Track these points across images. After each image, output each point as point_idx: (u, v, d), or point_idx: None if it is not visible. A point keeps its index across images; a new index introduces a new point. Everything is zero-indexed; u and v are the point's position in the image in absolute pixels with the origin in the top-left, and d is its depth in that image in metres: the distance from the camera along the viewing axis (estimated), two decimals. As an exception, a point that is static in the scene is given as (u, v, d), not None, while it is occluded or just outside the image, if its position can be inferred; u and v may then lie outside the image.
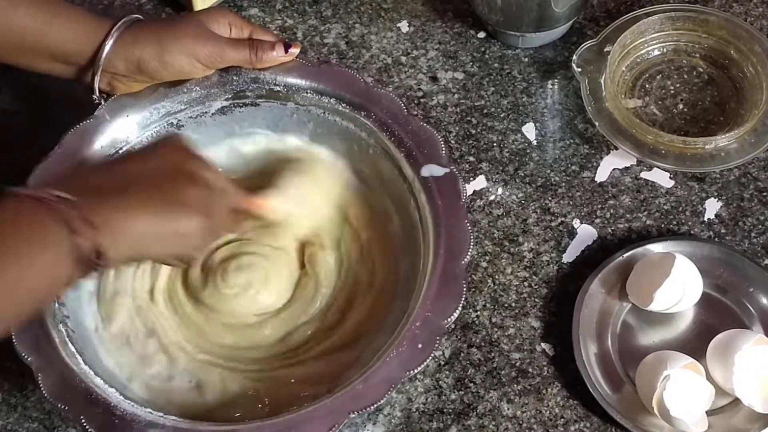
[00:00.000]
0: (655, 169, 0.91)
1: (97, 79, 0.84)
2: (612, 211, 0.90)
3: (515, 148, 0.94)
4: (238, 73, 0.87)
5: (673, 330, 0.83)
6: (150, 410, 0.74)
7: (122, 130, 0.86)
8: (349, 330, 0.82)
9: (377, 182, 0.87)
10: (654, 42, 0.98)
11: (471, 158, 0.93)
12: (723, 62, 0.97)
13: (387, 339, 0.76)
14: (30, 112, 0.98)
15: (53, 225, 0.64)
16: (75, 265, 0.65)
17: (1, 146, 0.96)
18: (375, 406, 0.72)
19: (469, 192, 0.91)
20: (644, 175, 0.92)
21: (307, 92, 0.87)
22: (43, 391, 0.73)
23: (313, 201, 0.86)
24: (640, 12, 0.97)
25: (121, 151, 0.86)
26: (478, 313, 0.85)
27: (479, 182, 0.92)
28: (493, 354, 0.83)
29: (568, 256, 0.88)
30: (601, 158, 0.93)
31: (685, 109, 0.95)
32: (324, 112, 0.87)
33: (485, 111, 0.96)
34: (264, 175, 0.87)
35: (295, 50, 0.87)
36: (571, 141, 0.94)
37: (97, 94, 0.86)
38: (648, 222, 0.89)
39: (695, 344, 0.81)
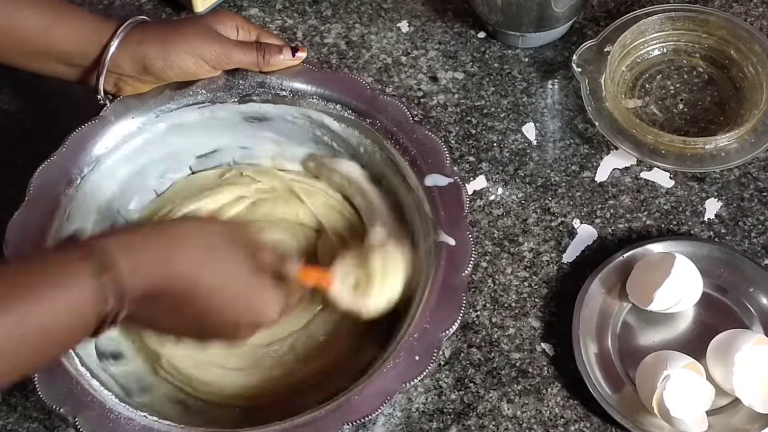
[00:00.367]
0: (655, 169, 0.91)
1: (101, 80, 0.84)
2: (612, 211, 0.90)
3: (515, 148, 0.94)
4: (244, 77, 0.87)
5: (673, 330, 0.83)
6: (145, 414, 0.74)
7: (127, 132, 0.86)
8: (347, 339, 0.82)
9: (383, 191, 0.87)
10: (654, 42, 0.98)
11: (471, 158, 0.93)
12: (723, 62, 0.97)
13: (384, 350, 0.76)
14: (30, 112, 0.98)
15: (83, 263, 0.62)
16: (98, 307, 0.62)
17: (1, 146, 0.96)
18: (370, 417, 0.72)
19: (469, 192, 0.91)
20: (644, 175, 0.92)
21: (313, 98, 0.87)
22: (39, 393, 0.73)
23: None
24: (640, 12, 0.97)
25: (123, 153, 0.86)
26: (478, 313, 0.85)
27: (479, 182, 0.92)
28: (493, 354, 0.83)
29: (568, 256, 0.88)
30: (601, 158, 0.93)
31: (685, 109, 0.95)
32: (330, 118, 0.87)
33: (485, 111, 0.96)
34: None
35: (302, 54, 0.87)
36: (571, 141, 0.94)
37: (102, 95, 0.86)
38: (648, 222, 0.89)
39: (695, 344, 0.81)
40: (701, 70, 0.97)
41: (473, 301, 0.86)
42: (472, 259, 0.77)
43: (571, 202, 0.90)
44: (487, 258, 0.88)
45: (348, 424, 0.71)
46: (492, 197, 0.91)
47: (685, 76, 0.97)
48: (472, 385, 0.82)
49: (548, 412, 0.81)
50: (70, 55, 0.84)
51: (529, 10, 0.95)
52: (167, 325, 0.69)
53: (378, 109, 0.85)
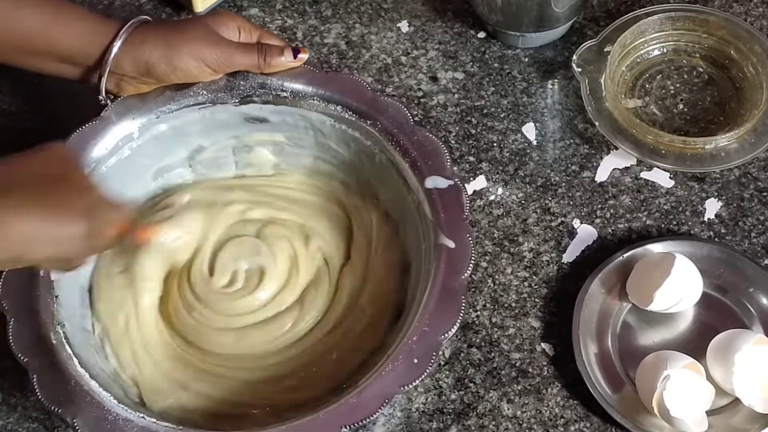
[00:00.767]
0: (655, 169, 0.91)
1: (104, 80, 0.84)
2: (612, 211, 0.90)
3: (515, 148, 0.94)
4: (245, 78, 0.86)
5: (673, 330, 0.83)
6: (143, 416, 0.74)
7: (127, 133, 0.86)
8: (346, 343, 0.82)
9: (384, 192, 0.87)
10: (654, 42, 0.98)
11: (471, 158, 0.93)
12: (723, 62, 0.97)
13: (385, 352, 0.76)
14: (30, 112, 0.98)
15: None
16: None
17: (1, 146, 0.96)
18: (368, 420, 0.72)
19: (469, 192, 0.91)
20: (644, 175, 0.92)
21: (313, 99, 0.87)
22: (38, 393, 0.73)
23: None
24: (640, 12, 0.97)
25: (124, 153, 0.86)
26: (478, 313, 0.85)
27: (479, 182, 0.92)
28: (493, 354, 0.83)
29: (568, 256, 0.88)
30: (601, 158, 0.93)
31: (685, 109, 0.95)
32: (331, 120, 0.87)
33: (485, 111, 0.96)
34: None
35: (304, 56, 0.87)
36: (571, 141, 0.94)
37: (104, 95, 0.85)
38: (648, 222, 0.89)
39: (695, 344, 0.81)
40: (701, 70, 0.97)
41: (473, 301, 0.86)
42: (472, 261, 0.77)
43: (571, 202, 0.90)
44: (487, 258, 0.88)
45: (346, 427, 0.71)
46: (492, 197, 0.91)
47: (685, 76, 0.97)
48: (472, 385, 0.82)
49: (548, 412, 0.81)
50: (71, 55, 0.84)
51: (529, 10, 0.95)
52: None
53: (379, 111, 0.85)
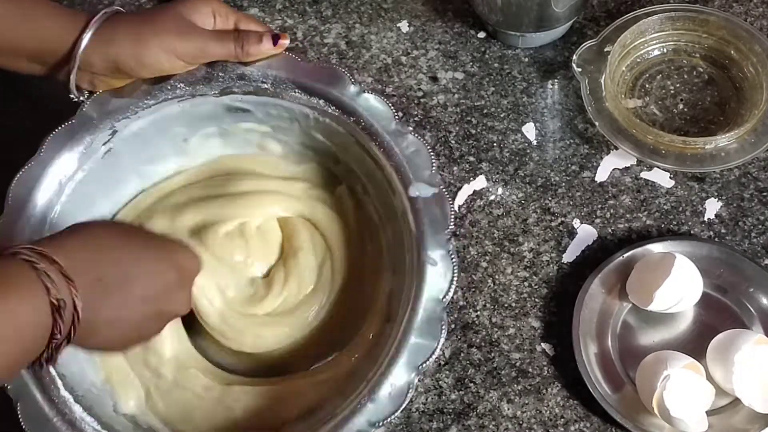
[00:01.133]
0: (655, 169, 0.91)
1: (73, 77, 0.82)
2: (612, 211, 0.90)
3: (515, 148, 0.94)
4: (223, 69, 0.84)
5: (673, 330, 0.83)
6: None
7: (106, 130, 0.84)
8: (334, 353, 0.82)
9: (371, 187, 0.85)
10: (654, 42, 0.98)
11: (471, 158, 0.93)
12: (723, 62, 0.97)
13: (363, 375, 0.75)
14: (30, 113, 0.98)
15: (27, 277, 0.63)
16: (53, 318, 0.63)
17: (1, 146, 0.96)
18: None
19: (469, 192, 0.91)
20: (644, 175, 0.92)
21: (295, 91, 0.84)
22: (21, 421, 0.73)
23: None
24: (640, 12, 0.97)
25: (102, 153, 0.85)
26: (478, 313, 0.85)
27: (479, 182, 0.92)
28: (493, 354, 0.83)
29: (568, 256, 0.88)
30: (601, 158, 0.93)
31: (685, 109, 0.95)
32: (314, 113, 0.85)
33: (485, 111, 0.96)
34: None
35: (284, 42, 0.83)
36: (571, 141, 0.94)
37: (75, 93, 0.84)
38: (648, 222, 0.89)
39: (695, 344, 0.81)
40: (701, 70, 0.97)
41: (473, 301, 0.86)
42: (455, 282, 0.76)
43: (571, 202, 0.90)
44: (487, 258, 0.88)
45: None
46: (492, 197, 0.91)
47: (685, 76, 0.97)
48: (472, 385, 0.82)
49: (548, 412, 0.81)
50: (41, 53, 0.81)
51: (529, 10, 0.95)
52: (113, 316, 0.69)
53: (361, 106, 0.83)
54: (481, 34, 1.01)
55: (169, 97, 0.84)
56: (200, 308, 0.81)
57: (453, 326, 0.84)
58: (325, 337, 0.83)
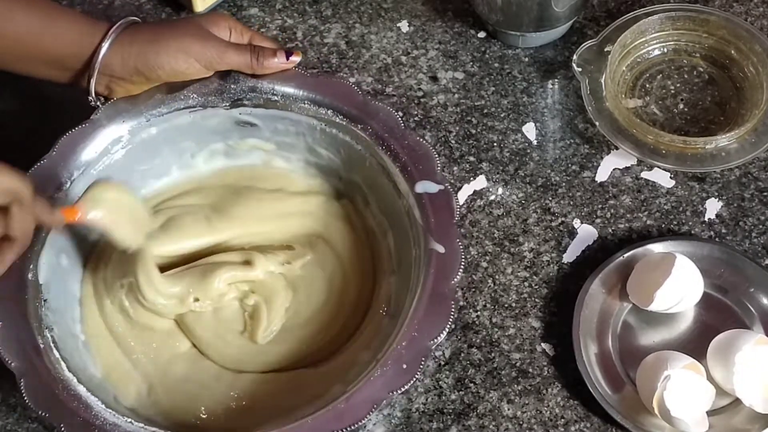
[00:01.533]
0: (655, 169, 0.91)
1: (92, 82, 0.84)
2: (612, 211, 0.90)
3: (515, 148, 0.94)
4: (236, 81, 0.86)
5: (674, 330, 0.83)
6: (131, 420, 0.74)
7: (117, 136, 0.85)
8: (336, 348, 0.82)
9: (373, 197, 0.87)
10: (654, 42, 0.98)
11: (471, 158, 0.93)
12: (723, 62, 0.97)
13: (374, 357, 0.76)
14: (30, 113, 0.98)
15: None
16: None
17: (1, 146, 0.96)
18: (356, 425, 0.72)
19: (469, 192, 0.91)
20: (645, 175, 0.92)
21: (304, 103, 0.86)
22: (25, 398, 0.73)
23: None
24: (641, 12, 0.97)
25: (113, 157, 0.85)
26: (478, 313, 0.85)
27: (479, 182, 0.92)
28: (493, 354, 0.83)
29: (569, 256, 0.88)
30: (602, 158, 0.93)
31: (686, 109, 0.95)
32: (321, 124, 0.86)
33: (485, 111, 0.96)
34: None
35: (296, 58, 0.86)
36: (572, 141, 0.94)
37: (93, 96, 0.85)
38: (648, 222, 0.89)
39: (696, 344, 0.81)
40: (701, 69, 0.97)
41: (473, 301, 0.86)
42: (462, 266, 0.77)
43: (571, 202, 0.90)
44: (487, 258, 0.88)
45: None
46: (492, 197, 0.91)
47: (686, 76, 0.97)
48: (472, 385, 0.82)
49: (548, 412, 0.81)
50: (62, 58, 0.84)
51: (529, 9, 0.95)
52: None
53: (369, 115, 0.85)
54: (481, 34, 1.01)
55: (181, 107, 0.86)
56: (215, 352, 0.83)
57: (453, 326, 0.84)
58: (330, 337, 0.83)
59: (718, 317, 0.83)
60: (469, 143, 0.94)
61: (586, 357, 0.80)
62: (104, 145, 0.85)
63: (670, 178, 0.91)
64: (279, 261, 0.85)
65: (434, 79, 0.98)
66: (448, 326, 0.75)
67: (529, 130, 0.95)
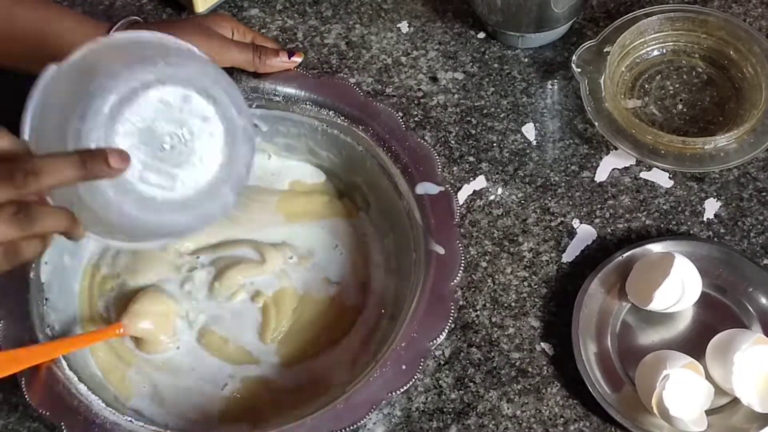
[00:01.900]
0: (654, 169, 0.92)
1: None
2: (611, 211, 0.90)
3: (515, 148, 0.94)
4: (237, 81, 0.86)
5: (673, 330, 0.83)
6: (131, 419, 0.74)
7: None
8: (336, 350, 0.82)
9: (373, 198, 0.87)
10: (653, 42, 0.98)
11: (471, 158, 0.93)
12: (722, 62, 0.97)
13: (373, 357, 0.76)
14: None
15: None
16: None
17: (2, 146, 0.96)
18: (356, 425, 0.72)
19: (469, 192, 0.92)
20: (644, 175, 0.92)
21: (306, 103, 0.87)
22: (26, 396, 0.73)
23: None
24: (640, 12, 0.97)
25: None
26: (478, 312, 0.85)
27: (479, 182, 0.92)
28: (493, 353, 0.84)
29: (568, 256, 0.88)
30: (601, 158, 0.93)
31: (685, 110, 0.95)
32: (323, 125, 0.87)
33: (485, 111, 0.96)
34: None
35: (298, 59, 0.87)
36: (571, 141, 0.94)
37: None
38: (647, 222, 0.89)
39: (695, 344, 0.82)
40: (700, 70, 0.98)
41: (473, 301, 0.86)
42: (461, 268, 0.77)
43: (570, 202, 0.91)
44: (487, 258, 0.88)
45: None
46: (492, 197, 0.91)
47: (685, 77, 0.97)
48: (472, 384, 0.82)
49: (548, 411, 0.81)
50: (64, 56, 0.83)
51: (529, 10, 0.95)
52: None
53: (371, 116, 0.85)
54: (481, 35, 1.01)
55: None
56: (218, 351, 0.83)
57: (453, 326, 0.84)
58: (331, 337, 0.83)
59: (716, 317, 0.83)
60: (469, 143, 0.94)
61: (585, 356, 0.81)
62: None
63: (669, 178, 0.91)
64: (288, 256, 0.85)
65: (434, 79, 0.99)
66: (448, 327, 0.75)
67: (529, 131, 0.95)
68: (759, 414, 0.77)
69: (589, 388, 0.79)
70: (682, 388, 0.76)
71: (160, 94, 0.65)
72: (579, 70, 0.94)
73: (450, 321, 0.75)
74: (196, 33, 0.84)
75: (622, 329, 0.83)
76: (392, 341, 0.75)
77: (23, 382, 0.74)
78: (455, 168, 0.93)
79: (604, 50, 0.95)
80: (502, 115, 0.96)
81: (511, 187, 0.92)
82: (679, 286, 0.81)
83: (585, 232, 0.89)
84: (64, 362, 0.76)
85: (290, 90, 0.87)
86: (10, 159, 0.64)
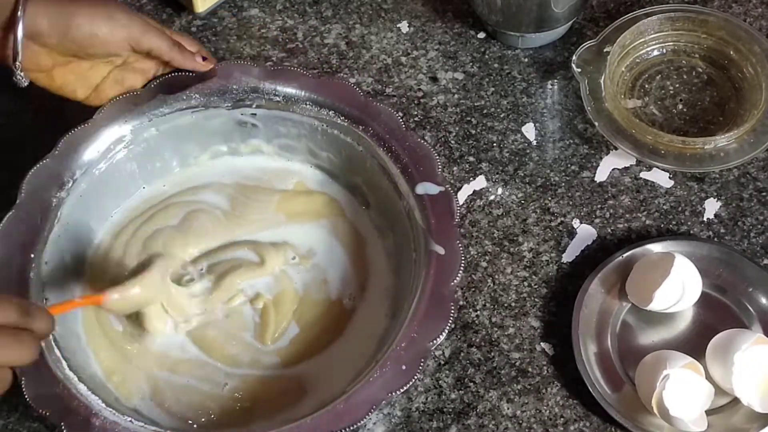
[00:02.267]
0: (654, 169, 0.92)
1: (19, 43, 0.80)
2: (611, 211, 0.90)
3: (515, 148, 0.94)
4: (237, 81, 0.87)
5: (673, 330, 0.83)
6: (131, 419, 0.74)
7: (118, 136, 0.86)
8: (336, 350, 0.82)
9: (373, 198, 0.87)
10: (653, 42, 0.98)
11: (471, 158, 0.94)
12: (722, 62, 0.97)
13: (371, 359, 0.76)
14: (31, 113, 0.98)
15: None
16: None
17: (1, 146, 0.96)
18: (355, 426, 0.72)
19: (469, 192, 0.92)
20: (644, 175, 0.92)
21: (306, 104, 0.87)
22: (26, 396, 0.73)
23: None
24: (640, 12, 0.97)
25: (115, 157, 0.86)
26: (478, 312, 0.85)
27: (479, 182, 0.92)
28: (492, 353, 0.84)
29: (568, 256, 0.88)
30: (601, 158, 0.93)
31: (685, 110, 0.95)
32: (323, 125, 0.87)
33: (485, 111, 0.96)
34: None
35: (209, 64, 0.87)
36: (571, 141, 0.94)
37: (20, 72, 0.83)
38: (647, 222, 0.89)
39: (695, 344, 0.82)
40: (700, 70, 0.98)
41: (473, 301, 0.86)
42: (461, 268, 0.77)
43: (570, 202, 0.91)
44: (487, 258, 0.88)
45: None
46: (492, 197, 0.91)
47: (685, 77, 0.97)
48: (472, 384, 0.82)
49: (548, 411, 0.81)
50: None
51: (529, 10, 0.95)
52: None
53: (371, 116, 0.85)
54: (481, 35, 1.01)
55: (184, 107, 0.86)
56: (219, 353, 0.83)
57: (453, 326, 0.84)
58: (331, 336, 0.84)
59: (716, 317, 0.83)
60: (469, 143, 0.94)
61: (585, 356, 0.81)
62: (106, 145, 0.85)
63: (669, 178, 0.91)
64: (289, 257, 0.85)
65: (434, 79, 0.99)
66: (448, 327, 0.75)
67: (529, 131, 0.95)
68: (759, 414, 0.77)
69: (589, 388, 0.79)
70: (682, 388, 0.76)
71: None
72: (579, 70, 0.94)
73: (450, 321, 0.75)
74: (118, 6, 0.82)
75: (622, 329, 0.83)
76: (392, 341, 0.75)
77: (23, 382, 0.74)
78: (455, 168, 0.93)
79: (604, 50, 0.95)
80: (502, 115, 0.96)
81: (511, 187, 0.92)
82: (679, 286, 0.81)
83: (585, 232, 0.89)
84: (64, 362, 0.76)
85: (290, 90, 0.87)
86: None
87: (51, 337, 0.77)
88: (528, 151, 0.94)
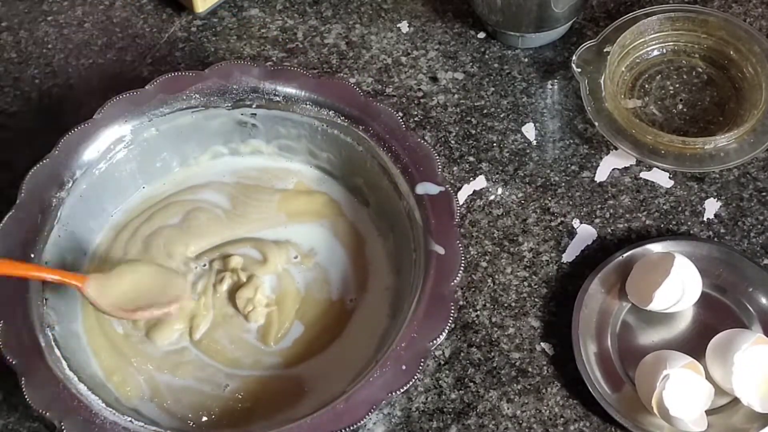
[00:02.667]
0: (654, 169, 0.92)
1: None
2: (611, 211, 0.90)
3: (515, 148, 0.94)
4: (237, 82, 0.87)
5: (673, 330, 0.83)
6: (131, 419, 0.74)
7: (119, 136, 0.86)
8: (336, 350, 0.82)
9: (373, 198, 0.87)
10: (653, 42, 0.98)
11: (471, 158, 0.94)
12: (722, 62, 0.97)
13: (372, 359, 0.76)
14: (30, 113, 0.98)
15: None
16: None
17: (1, 146, 0.96)
18: (355, 426, 0.72)
19: (469, 192, 0.92)
20: (644, 175, 0.92)
21: (306, 104, 0.87)
22: (26, 396, 0.73)
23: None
24: (640, 12, 0.97)
25: (115, 157, 0.86)
26: (478, 312, 0.85)
27: (479, 182, 0.92)
28: (492, 353, 0.84)
29: (568, 256, 0.88)
30: (601, 158, 0.93)
31: (685, 110, 0.95)
32: (323, 125, 0.87)
33: (485, 111, 0.96)
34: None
35: None
36: (571, 141, 0.94)
37: None
38: (647, 222, 0.89)
39: (695, 344, 0.82)
40: (700, 70, 0.98)
41: (473, 301, 0.86)
42: (461, 268, 0.77)
43: (570, 202, 0.91)
44: (487, 258, 0.88)
45: None
46: (492, 197, 0.91)
47: (685, 77, 0.97)
48: (472, 384, 0.82)
49: (548, 411, 0.81)
50: None
51: (529, 10, 0.95)
52: None
53: (371, 116, 0.85)
54: (481, 35, 1.01)
55: (184, 107, 0.86)
56: (220, 354, 0.83)
57: (453, 326, 0.84)
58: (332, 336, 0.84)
59: (716, 317, 0.83)
60: (469, 143, 0.94)
61: (585, 356, 0.81)
62: (106, 145, 0.85)
63: (669, 178, 0.92)
64: (291, 255, 0.85)
65: (434, 79, 0.99)
66: (448, 327, 0.75)
67: (529, 131, 0.95)
68: (759, 414, 0.77)
69: (589, 388, 0.79)
70: (682, 388, 0.76)
71: None
72: (579, 70, 0.94)
73: (450, 321, 0.75)
74: None
75: (622, 329, 0.83)
76: (392, 341, 0.75)
77: (23, 382, 0.74)
78: (455, 168, 0.93)
79: (604, 50, 0.95)
80: (502, 115, 0.96)
81: (511, 187, 0.92)
82: (679, 286, 0.81)
83: (585, 232, 0.89)
84: (64, 362, 0.76)
85: (290, 90, 0.87)
86: None
87: (51, 336, 0.77)
88: (528, 151, 0.94)
